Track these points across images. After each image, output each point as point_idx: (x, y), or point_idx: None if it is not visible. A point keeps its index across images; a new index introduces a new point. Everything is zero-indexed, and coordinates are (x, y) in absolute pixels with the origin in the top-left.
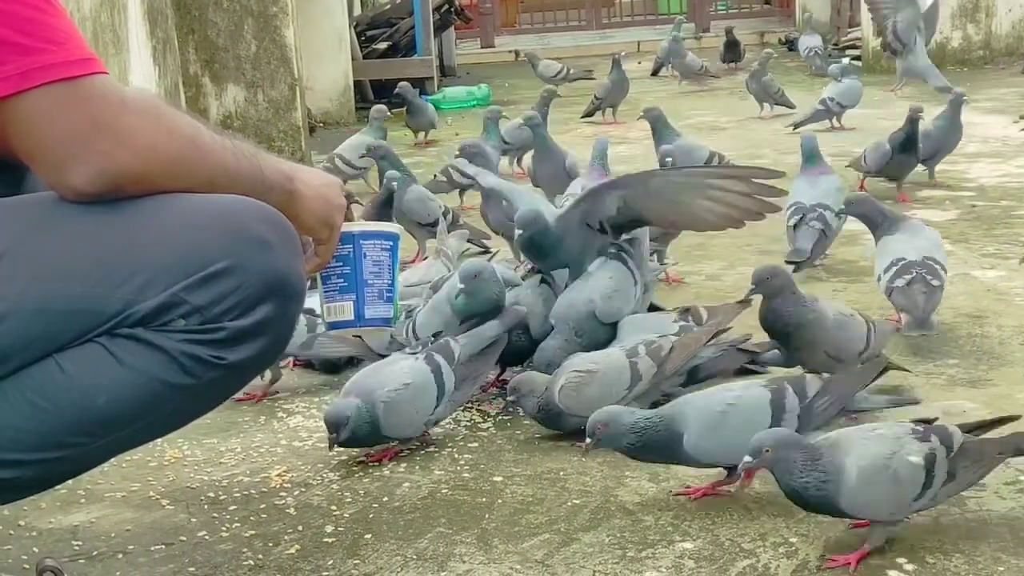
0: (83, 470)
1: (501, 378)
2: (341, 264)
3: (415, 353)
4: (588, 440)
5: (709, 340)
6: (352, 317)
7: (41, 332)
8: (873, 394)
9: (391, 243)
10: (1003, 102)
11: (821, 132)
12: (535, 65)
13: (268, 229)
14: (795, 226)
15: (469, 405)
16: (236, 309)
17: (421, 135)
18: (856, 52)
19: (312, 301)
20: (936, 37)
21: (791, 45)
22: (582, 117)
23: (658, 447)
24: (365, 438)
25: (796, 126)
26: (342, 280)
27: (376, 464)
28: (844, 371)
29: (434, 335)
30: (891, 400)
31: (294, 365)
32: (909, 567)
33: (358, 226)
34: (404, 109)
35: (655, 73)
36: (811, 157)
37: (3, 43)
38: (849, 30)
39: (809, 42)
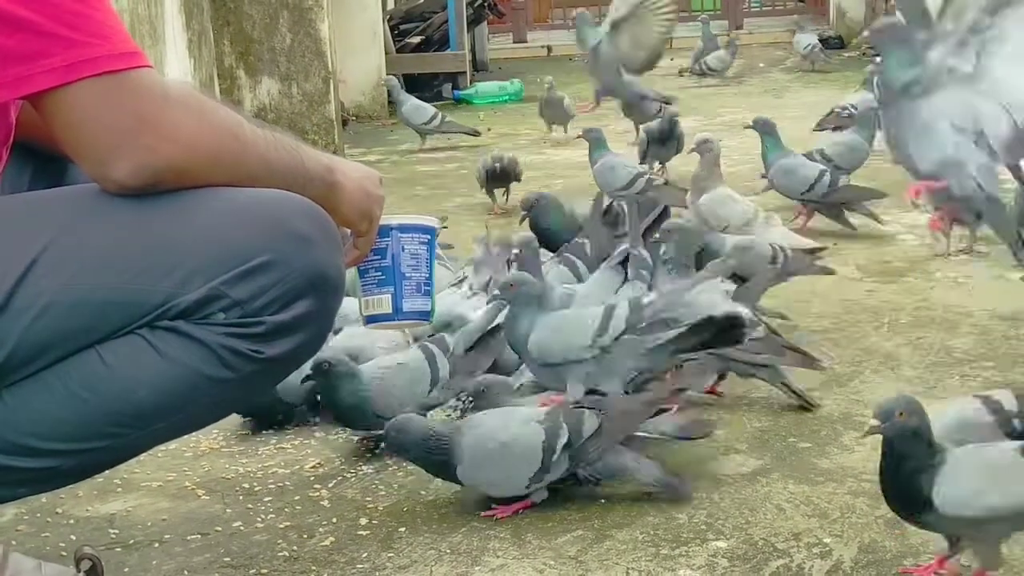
0: (122, 460)
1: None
2: (379, 257)
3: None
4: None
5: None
6: (390, 310)
7: (83, 324)
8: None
9: (429, 236)
10: None
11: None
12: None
13: (309, 224)
14: None
15: None
16: (276, 303)
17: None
18: None
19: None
20: None
21: (825, 43)
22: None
23: (439, 469)
24: (355, 412)
25: (819, 127)
26: (380, 273)
27: None
28: (620, 410)
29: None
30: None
31: None
32: None
33: (396, 219)
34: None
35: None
36: None
37: (49, 36)
38: None
39: (808, 39)
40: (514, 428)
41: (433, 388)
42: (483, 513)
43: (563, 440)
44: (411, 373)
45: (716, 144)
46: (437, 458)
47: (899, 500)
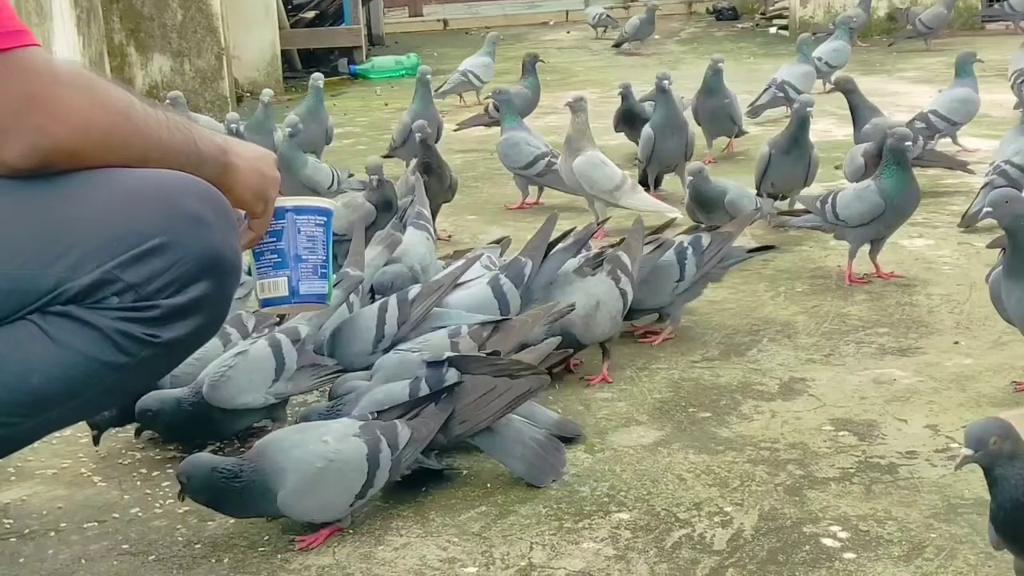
0: (16, 449)
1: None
2: (275, 239)
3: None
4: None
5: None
6: (286, 293)
7: None
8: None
9: (325, 218)
10: (929, 71)
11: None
12: None
13: (203, 205)
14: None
15: None
16: (171, 287)
17: None
18: (783, 22)
19: None
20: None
21: (719, 14)
22: None
23: (249, 501)
24: (189, 425)
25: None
26: (276, 256)
27: None
28: (425, 417)
29: None
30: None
31: None
32: (843, 535)
33: (291, 201)
34: None
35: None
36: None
37: None
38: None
39: (595, 10)
40: (335, 444)
41: (278, 377)
42: (299, 540)
43: (385, 452)
44: (252, 362)
45: (586, 104)
46: (251, 489)
47: (1014, 535)
